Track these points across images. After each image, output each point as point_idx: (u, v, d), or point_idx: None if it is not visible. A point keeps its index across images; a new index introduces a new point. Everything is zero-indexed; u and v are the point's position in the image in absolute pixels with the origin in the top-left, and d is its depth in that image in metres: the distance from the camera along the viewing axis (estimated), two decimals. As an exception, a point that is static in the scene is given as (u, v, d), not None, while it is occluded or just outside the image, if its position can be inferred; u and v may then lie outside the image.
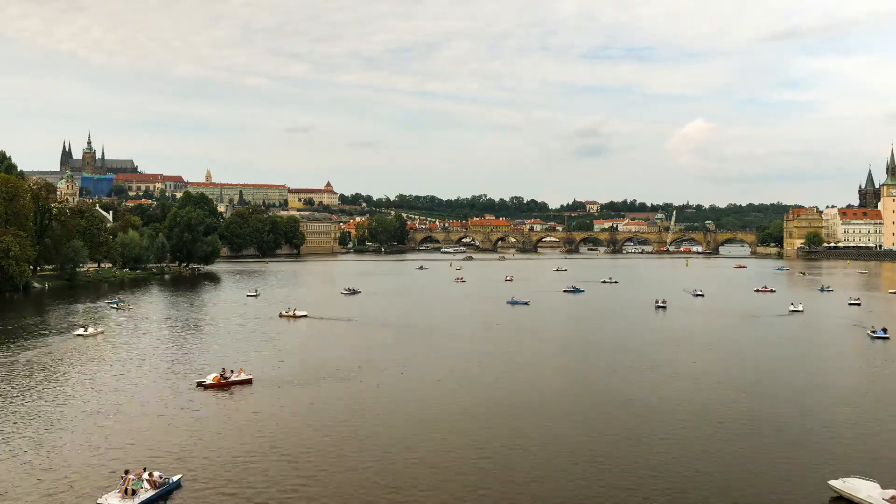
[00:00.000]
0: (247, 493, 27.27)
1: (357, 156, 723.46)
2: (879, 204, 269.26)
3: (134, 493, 26.57)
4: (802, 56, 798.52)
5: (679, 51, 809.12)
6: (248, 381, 45.24)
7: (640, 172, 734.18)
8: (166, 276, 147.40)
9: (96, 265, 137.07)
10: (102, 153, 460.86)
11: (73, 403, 40.42)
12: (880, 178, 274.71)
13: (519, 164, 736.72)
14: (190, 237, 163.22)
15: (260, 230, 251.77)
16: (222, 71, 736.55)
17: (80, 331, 64.54)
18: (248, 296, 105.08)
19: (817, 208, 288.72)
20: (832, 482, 27.74)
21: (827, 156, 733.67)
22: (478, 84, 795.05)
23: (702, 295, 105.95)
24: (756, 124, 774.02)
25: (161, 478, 27.65)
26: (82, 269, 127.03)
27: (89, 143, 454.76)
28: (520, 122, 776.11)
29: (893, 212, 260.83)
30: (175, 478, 28.30)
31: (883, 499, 26.18)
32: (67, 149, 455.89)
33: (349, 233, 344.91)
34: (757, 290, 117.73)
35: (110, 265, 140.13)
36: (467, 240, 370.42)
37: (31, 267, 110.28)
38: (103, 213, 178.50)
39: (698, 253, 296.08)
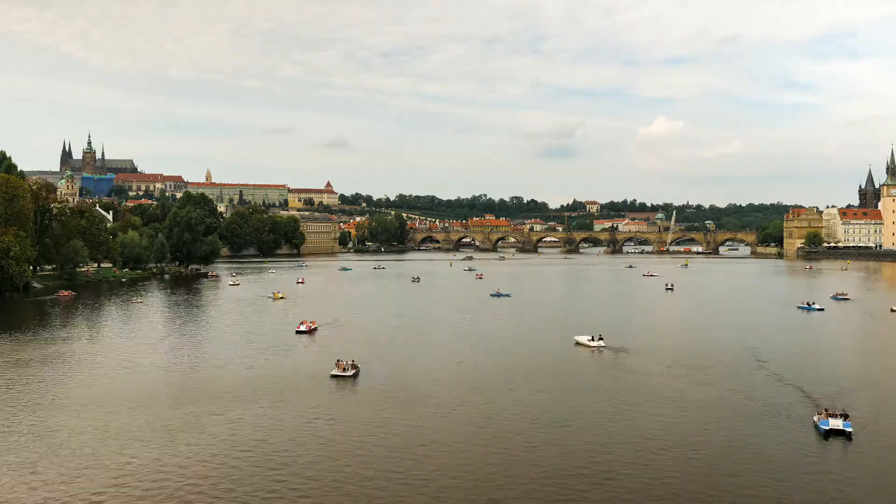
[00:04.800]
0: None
1: (355, 156, 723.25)
2: (879, 204, 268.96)
3: (345, 370, 48.11)
4: (800, 58, 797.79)
5: (673, 54, 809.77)
6: None
7: (634, 172, 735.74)
8: (166, 276, 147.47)
9: (96, 265, 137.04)
10: (102, 153, 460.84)
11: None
12: (880, 178, 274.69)
13: (516, 165, 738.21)
14: (190, 237, 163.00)
15: (260, 230, 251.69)
16: (217, 73, 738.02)
17: None
18: None
19: (817, 208, 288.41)
20: (575, 337, 62.53)
21: (827, 156, 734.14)
22: (471, 86, 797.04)
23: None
24: (756, 125, 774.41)
25: (355, 363, 49.41)
26: (82, 269, 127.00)
27: (89, 143, 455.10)
28: (514, 123, 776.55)
29: (893, 212, 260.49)
30: (361, 365, 49.93)
31: (591, 341, 59.85)
32: (67, 149, 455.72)
33: (349, 233, 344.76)
34: None
35: (110, 265, 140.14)
36: (467, 240, 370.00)
37: (31, 267, 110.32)
38: (103, 213, 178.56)
39: (698, 253, 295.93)
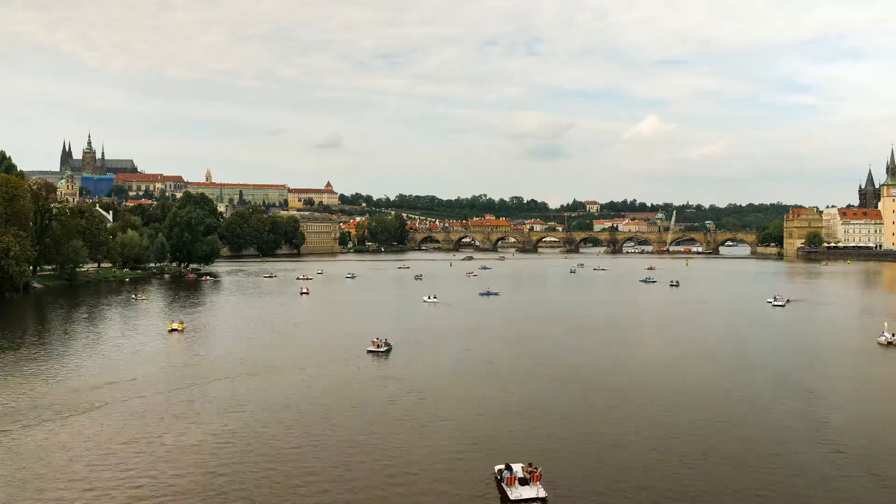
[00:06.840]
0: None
1: (354, 156, 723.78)
2: (879, 204, 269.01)
3: (379, 346, 55.58)
4: (799, 60, 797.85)
5: (669, 55, 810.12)
6: None
7: (631, 173, 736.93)
8: (166, 276, 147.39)
9: (96, 265, 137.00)
10: (102, 153, 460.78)
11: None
12: (880, 178, 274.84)
13: (515, 165, 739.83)
14: (190, 237, 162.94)
15: (260, 230, 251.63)
16: (216, 74, 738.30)
17: None
18: None
19: (817, 208, 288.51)
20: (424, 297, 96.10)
21: (827, 156, 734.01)
22: (467, 87, 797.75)
23: None
24: (755, 126, 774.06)
25: (388, 341, 57.23)
26: (82, 269, 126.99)
27: (89, 143, 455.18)
28: (511, 123, 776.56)
29: (893, 212, 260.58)
30: (392, 342, 57.29)
31: (430, 299, 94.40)
32: (67, 149, 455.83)
33: (349, 233, 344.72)
34: None
35: (110, 265, 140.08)
36: (467, 240, 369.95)
37: (31, 267, 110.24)
38: (103, 213, 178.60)
39: (698, 253, 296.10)
